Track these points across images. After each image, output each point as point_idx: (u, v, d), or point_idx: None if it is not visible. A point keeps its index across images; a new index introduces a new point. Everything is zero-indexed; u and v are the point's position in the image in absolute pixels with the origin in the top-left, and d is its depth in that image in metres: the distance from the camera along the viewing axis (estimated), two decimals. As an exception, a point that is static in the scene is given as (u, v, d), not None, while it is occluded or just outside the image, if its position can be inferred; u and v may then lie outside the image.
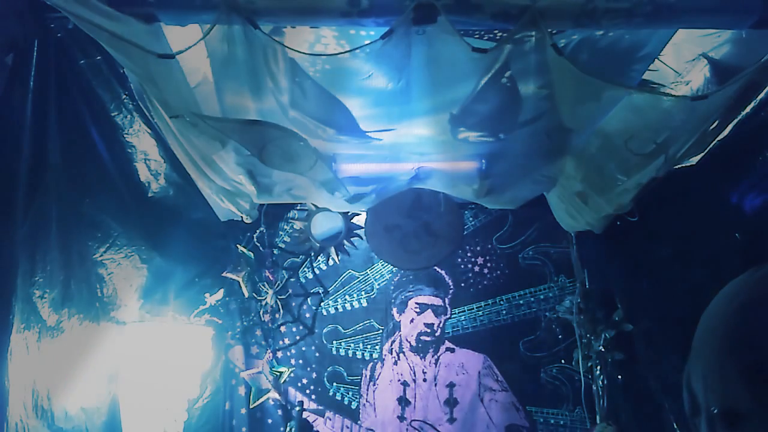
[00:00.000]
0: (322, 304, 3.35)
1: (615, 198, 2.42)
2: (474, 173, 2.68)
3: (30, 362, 1.93)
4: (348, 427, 3.23)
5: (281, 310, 3.30)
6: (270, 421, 3.20)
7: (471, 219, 3.39)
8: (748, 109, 1.96)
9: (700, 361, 0.88)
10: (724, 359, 0.83)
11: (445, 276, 3.35)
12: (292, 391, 3.25)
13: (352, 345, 3.31)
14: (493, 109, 2.07)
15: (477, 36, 1.89)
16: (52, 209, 2.05)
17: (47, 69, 1.93)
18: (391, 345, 3.30)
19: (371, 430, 3.21)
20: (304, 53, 1.82)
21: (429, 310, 3.32)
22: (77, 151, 2.16)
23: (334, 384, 3.27)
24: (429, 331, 3.30)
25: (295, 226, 3.38)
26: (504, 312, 3.28)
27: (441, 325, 3.31)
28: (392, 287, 3.36)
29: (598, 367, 3.03)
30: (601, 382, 3.02)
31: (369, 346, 3.31)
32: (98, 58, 2.08)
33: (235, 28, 1.64)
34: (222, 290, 3.23)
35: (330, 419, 3.24)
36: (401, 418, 3.20)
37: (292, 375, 3.24)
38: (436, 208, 3.28)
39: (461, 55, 1.66)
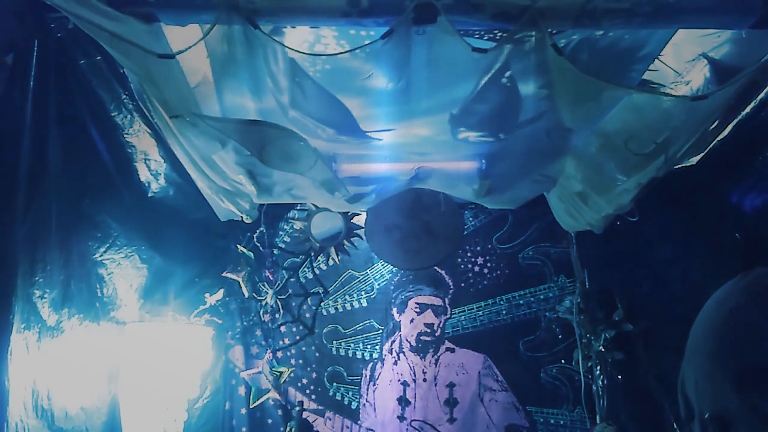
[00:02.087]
0: (322, 304, 3.35)
1: (615, 198, 2.42)
2: (474, 173, 2.68)
3: (30, 362, 1.93)
4: (348, 427, 3.23)
5: (281, 310, 3.30)
6: (270, 421, 3.20)
7: (471, 219, 3.39)
8: (748, 109, 1.96)
9: (692, 367, 0.88)
10: (714, 365, 0.84)
11: (445, 276, 3.35)
12: (292, 391, 3.25)
13: (352, 345, 3.31)
14: (493, 109, 2.07)
15: (477, 36, 1.89)
16: (52, 209, 2.05)
17: (47, 69, 1.94)
18: (391, 345, 3.30)
19: (371, 430, 3.21)
20: (304, 53, 1.81)
21: (429, 310, 3.32)
22: (77, 151, 2.16)
23: (334, 384, 3.27)
24: (429, 331, 3.30)
25: (295, 226, 3.38)
26: (504, 312, 3.28)
27: (441, 325, 3.31)
28: (392, 287, 3.36)
29: (598, 367, 3.03)
30: (601, 382, 3.02)
31: (369, 346, 3.31)
32: (98, 58, 2.08)
33: (235, 28, 1.64)
34: (222, 290, 3.23)
35: (330, 419, 3.24)
36: (401, 418, 3.20)
37: (292, 375, 3.24)
38: (436, 208, 3.28)
39: (461, 55, 1.66)
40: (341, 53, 1.75)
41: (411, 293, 3.34)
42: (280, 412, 3.20)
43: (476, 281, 3.33)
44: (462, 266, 3.35)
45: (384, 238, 3.33)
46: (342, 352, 3.31)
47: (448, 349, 3.29)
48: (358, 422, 3.23)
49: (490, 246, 3.36)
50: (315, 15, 1.67)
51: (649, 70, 2.06)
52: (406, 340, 3.30)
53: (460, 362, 3.26)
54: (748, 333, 0.81)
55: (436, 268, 3.35)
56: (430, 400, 3.21)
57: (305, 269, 3.38)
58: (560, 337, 3.22)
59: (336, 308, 3.35)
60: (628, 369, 3.00)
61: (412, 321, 3.31)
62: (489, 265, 3.34)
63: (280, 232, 3.41)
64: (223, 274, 3.22)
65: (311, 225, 3.34)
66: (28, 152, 1.90)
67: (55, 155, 2.04)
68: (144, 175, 2.53)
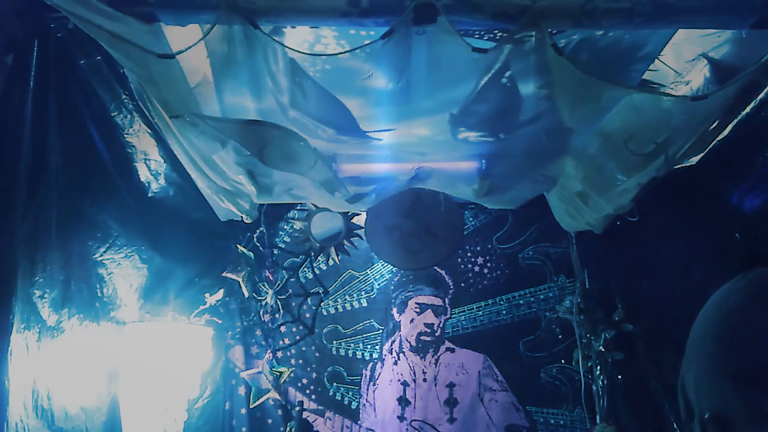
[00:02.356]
0: (322, 304, 3.35)
1: (615, 198, 2.42)
2: (474, 173, 2.68)
3: (30, 362, 1.93)
4: (348, 427, 3.23)
5: (281, 310, 3.30)
6: (270, 421, 3.20)
7: (471, 219, 3.39)
8: (748, 109, 1.96)
9: (692, 367, 0.89)
10: (714, 365, 0.84)
11: (445, 276, 3.35)
12: (292, 391, 3.25)
13: (352, 345, 3.31)
14: (493, 109, 2.07)
15: (477, 36, 1.89)
16: (52, 209, 2.05)
17: (47, 69, 1.94)
18: (391, 345, 3.30)
19: (371, 430, 3.21)
20: (304, 53, 1.81)
21: (429, 310, 3.32)
22: (77, 150, 2.16)
23: (334, 384, 3.27)
24: (429, 331, 3.30)
25: (295, 226, 3.38)
26: (504, 312, 3.28)
27: (441, 325, 3.31)
28: (392, 287, 3.36)
29: (598, 367, 3.03)
30: (601, 382, 3.02)
31: (369, 346, 3.31)
32: (98, 58, 2.08)
33: (235, 28, 1.64)
34: (222, 290, 3.24)
35: (330, 419, 3.24)
36: (401, 418, 3.20)
37: (292, 375, 3.24)
38: (436, 208, 3.28)
39: (461, 55, 1.66)
40: (341, 53, 1.75)
41: (411, 293, 3.34)
42: (280, 412, 3.20)
43: (476, 281, 3.33)
44: (462, 266, 3.35)
45: (384, 238, 3.33)
46: (342, 352, 3.31)
47: (448, 349, 3.29)
48: (358, 422, 3.23)
49: (490, 246, 3.36)
50: (315, 15, 1.67)
51: (649, 70, 2.06)
52: (406, 340, 3.30)
53: (460, 362, 3.26)
54: (747, 333, 0.82)
55: (436, 268, 3.35)
56: (430, 400, 3.21)
57: (305, 269, 3.38)
58: (560, 337, 3.22)
59: (336, 308, 3.35)
60: (628, 369, 3.00)
61: (412, 321, 3.31)
62: (489, 265, 3.34)
63: (280, 232, 3.41)
64: (223, 274, 3.22)
65: (311, 225, 3.34)
66: (28, 152, 1.89)
67: (55, 155, 2.03)
68: (144, 175, 2.53)
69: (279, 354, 3.27)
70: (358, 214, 3.35)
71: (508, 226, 3.36)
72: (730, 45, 1.88)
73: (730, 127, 2.02)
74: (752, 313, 0.83)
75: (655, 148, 2.05)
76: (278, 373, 3.19)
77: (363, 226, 3.36)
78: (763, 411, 0.76)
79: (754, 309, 0.83)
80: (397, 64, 1.83)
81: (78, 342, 2.22)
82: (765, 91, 1.87)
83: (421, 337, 3.29)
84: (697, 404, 0.86)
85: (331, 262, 3.37)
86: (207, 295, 3.19)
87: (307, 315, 3.34)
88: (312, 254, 3.38)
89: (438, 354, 3.28)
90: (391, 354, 3.29)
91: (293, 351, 3.30)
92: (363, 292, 3.36)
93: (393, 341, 3.30)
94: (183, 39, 1.71)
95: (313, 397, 3.26)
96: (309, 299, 3.36)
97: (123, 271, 2.52)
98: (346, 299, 3.36)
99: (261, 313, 3.29)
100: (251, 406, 3.17)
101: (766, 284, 0.85)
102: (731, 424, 0.79)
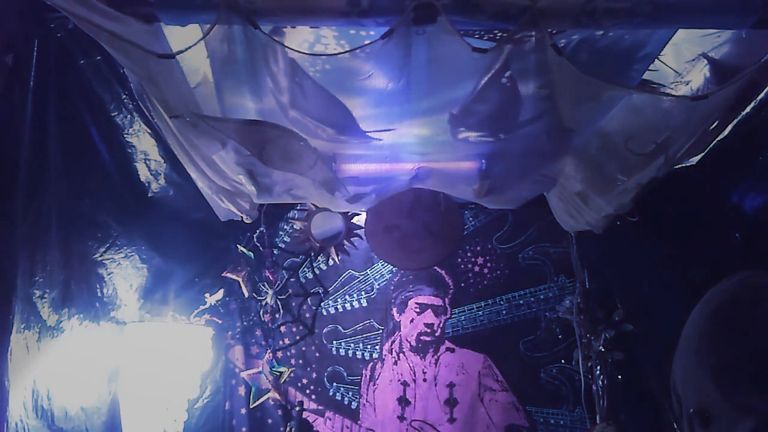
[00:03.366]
0: (322, 304, 3.35)
1: (615, 198, 2.42)
2: (474, 173, 2.68)
3: (30, 362, 1.93)
4: (348, 427, 3.23)
5: (281, 310, 3.30)
6: (270, 421, 3.20)
7: (471, 219, 3.39)
8: (748, 109, 1.96)
9: (680, 364, 0.91)
10: (698, 361, 0.87)
11: (445, 276, 3.35)
12: (292, 391, 3.25)
13: (352, 345, 3.31)
14: (493, 109, 2.07)
15: (477, 36, 1.89)
16: (52, 209, 2.05)
17: (47, 69, 1.93)
18: (391, 345, 3.30)
19: (371, 430, 3.21)
20: (304, 53, 1.81)
21: (429, 310, 3.32)
22: (77, 151, 2.16)
23: (334, 384, 3.27)
24: (429, 331, 3.30)
25: (295, 226, 3.38)
26: (504, 312, 3.28)
27: (441, 325, 3.31)
28: (392, 287, 3.36)
29: (598, 367, 3.03)
30: (601, 382, 3.02)
31: (369, 346, 3.31)
32: (98, 58, 2.07)
33: (235, 28, 1.64)
34: (222, 290, 3.24)
35: (330, 419, 3.24)
36: (401, 418, 3.20)
37: (292, 375, 3.24)
38: (436, 208, 3.28)
39: (461, 55, 1.66)
40: (341, 53, 1.75)
41: (411, 293, 3.34)
42: (280, 412, 3.20)
43: (476, 281, 3.33)
44: (462, 266, 3.35)
45: (384, 238, 3.32)
46: (342, 352, 3.31)
47: (448, 349, 3.29)
48: (358, 422, 3.23)
49: (490, 246, 3.36)
50: (315, 15, 1.67)
51: (649, 70, 2.06)
52: (406, 340, 3.30)
53: (460, 362, 3.26)
54: (728, 330, 0.85)
55: (436, 268, 3.35)
56: (430, 400, 3.21)
57: (305, 269, 3.38)
58: (560, 337, 3.22)
59: (336, 308, 3.35)
60: (628, 369, 3.00)
61: (412, 321, 3.31)
62: (489, 265, 3.34)
63: (280, 232, 3.41)
64: (223, 274, 3.22)
65: (311, 225, 3.34)
66: (28, 152, 1.89)
67: (55, 155, 2.03)
68: (144, 175, 2.53)
69: (279, 354, 3.27)
70: (358, 214, 3.35)
71: (508, 226, 3.36)
72: (730, 45, 1.88)
73: (730, 127, 2.02)
74: (734, 311, 0.86)
75: (655, 148, 2.05)
76: (278, 373, 3.19)
77: (363, 226, 3.36)
78: (742, 407, 0.78)
79: (736, 308, 0.86)
80: (397, 64, 1.83)
81: (78, 342, 2.22)
82: (765, 91, 1.87)
83: (421, 337, 3.29)
84: (684, 399, 0.88)
85: (331, 262, 3.37)
86: (207, 295, 3.19)
87: (307, 315, 3.34)
88: (312, 254, 3.38)
89: (438, 354, 3.28)
90: (391, 354, 3.29)
91: (293, 351, 3.30)
92: (363, 292, 3.36)
93: (393, 341, 3.30)
94: (183, 39, 1.71)
95: (313, 397, 3.26)
96: (309, 299, 3.35)
97: (123, 271, 2.52)
98: (346, 299, 3.36)
99: (261, 313, 3.29)
100: (251, 406, 3.17)
101: (751, 285, 0.89)
102: (713, 419, 0.81)
